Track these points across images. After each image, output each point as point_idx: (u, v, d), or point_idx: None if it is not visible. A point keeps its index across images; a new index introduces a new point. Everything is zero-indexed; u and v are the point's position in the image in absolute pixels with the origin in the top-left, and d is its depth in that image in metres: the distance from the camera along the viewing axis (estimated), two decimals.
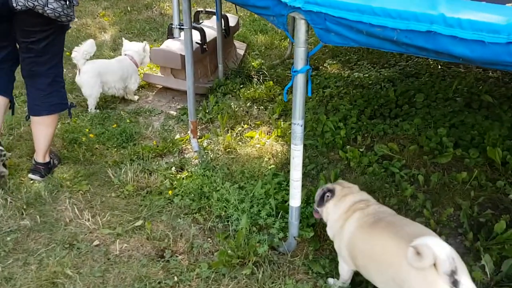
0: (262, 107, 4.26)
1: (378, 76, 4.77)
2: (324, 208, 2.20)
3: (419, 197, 2.84)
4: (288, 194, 2.50)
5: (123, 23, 6.39)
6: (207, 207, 2.83)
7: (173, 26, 3.11)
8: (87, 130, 3.64)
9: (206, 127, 3.90)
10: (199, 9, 5.00)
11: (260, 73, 4.87)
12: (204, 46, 4.33)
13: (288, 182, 2.56)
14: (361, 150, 3.38)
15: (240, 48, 5.20)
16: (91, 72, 3.91)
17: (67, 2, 2.62)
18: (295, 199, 2.35)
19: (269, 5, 2.00)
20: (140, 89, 4.59)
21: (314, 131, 3.69)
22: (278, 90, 4.45)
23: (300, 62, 2.01)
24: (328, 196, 2.19)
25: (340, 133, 3.58)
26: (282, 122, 3.82)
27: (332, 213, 2.16)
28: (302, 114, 2.10)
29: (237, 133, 3.71)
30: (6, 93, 2.99)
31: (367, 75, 4.81)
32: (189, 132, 3.60)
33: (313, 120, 3.84)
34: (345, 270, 2.16)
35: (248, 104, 4.29)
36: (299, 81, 2.05)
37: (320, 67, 5.18)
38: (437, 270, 1.56)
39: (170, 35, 4.55)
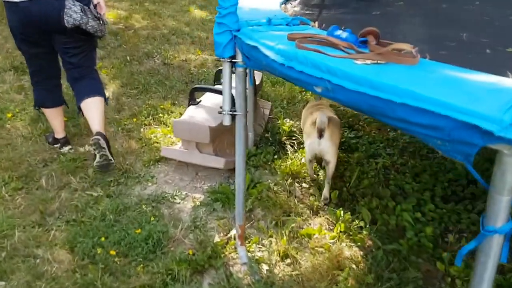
0: (306, 185, 3.42)
1: None
2: None
3: None
4: None
5: (124, 77, 5.51)
6: None
7: (224, 112, 2.28)
8: (103, 238, 2.73)
9: (246, 218, 3.03)
10: (221, 68, 4.17)
11: (293, 138, 4.04)
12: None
13: None
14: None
15: (265, 107, 4.38)
16: None
17: (100, 21, 3.26)
18: None
19: (442, 126, 1.18)
20: (157, 164, 3.70)
21: (387, 225, 2.86)
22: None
23: (501, 216, 1.17)
24: None
25: (425, 230, 2.75)
26: (341, 211, 2.98)
27: None
28: None
29: (290, 230, 2.85)
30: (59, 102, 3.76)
31: (417, 139, 4.00)
32: (235, 236, 2.73)
33: (380, 208, 3.00)
34: None
35: (289, 181, 3.43)
36: (494, 244, 1.20)
37: (356, 125, 4.38)
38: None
39: (192, 100, 3.70)
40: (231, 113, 2.31)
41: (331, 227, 2.93)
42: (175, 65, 6.02)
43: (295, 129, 4.18)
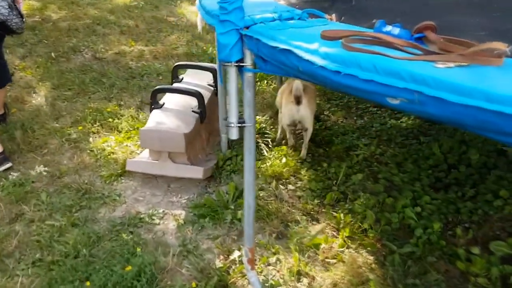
0: (291, 186, 3.16)
1: (400, 125, 3.89)
2: None
3: None
4: None
5: (53, 77, 4.85)
6: None
7: (232, 124, 1.93)
8: (88, 282, 2.27)
9: (240, 233, 2.72)
10: (178, 63, 3.75)
11: (266, 135, 3.75)
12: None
13: None
14: (474, 253, 2.44)
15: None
16: None
17: (24, 18, 3.15)
18: None
19: None
20: (119, 179, 3.23)
21: (389, 224, 2.69)
22: (300, 159, 3.39)
23: None
24: None
25: (432, 226, 2.61)
26: (341, 214, 2.77)
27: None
28: None
29: (295, 242, 2.58)
30: None
31: (388, 125, 3.91)
32: (239, 258, 2.40)
33: (378, 207, 2.82)
34: None
35: (273, 184, 3.16)
36: None
37: (321, 115, 4.18)
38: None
39: (155, 103, 3.26)
40: (239, 125, 1.95)
41: (334, 233, 2.70)
42: (109, 59, 5.42)
43: (264, 125, 3.88)
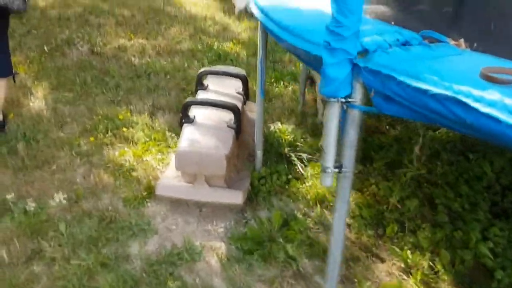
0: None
1: (440, 138, 3.60)
2: None
3: None
4: None
5: (50, 75, 4.36)
6: None
7: (328, 170, 1.57)
8: None
9: (294, 274, 2.38)
10: (203, 70, 3.34)
11: (298, 148, 3.40)
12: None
13: None
14: None
15: (251, 110, 3.64)
16: None
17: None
18: None
19: None
20: (145, 202, 2.83)
21: (463, 262, 2.40)
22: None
23: None
24: None
25: None
26: (407, 251, 2.46)
27: None
28: None
29: None
30: None
31: (427, 138, 3.61)
32: None
33: (446, 241, 2.53)
34: None
35: (317, 210, 2.83)
36: None
37: None
38: None
39: (186, 117, 2.86)
40: (337, 170, 1.59)
41: (401, 273, 2.39)
42: (109, 54, 4.94)
43: (293, 136, 3.52)
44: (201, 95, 3.20)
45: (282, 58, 5.27)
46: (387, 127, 3.89)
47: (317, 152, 3.43)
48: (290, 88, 4.56)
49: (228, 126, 2.84)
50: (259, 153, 3.03)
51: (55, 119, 3.62)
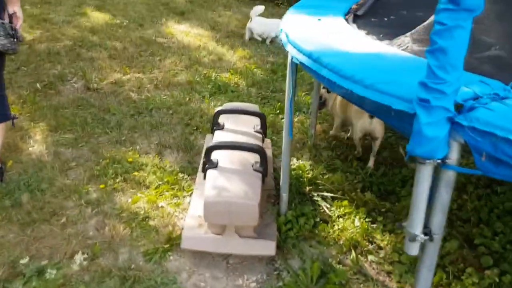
0: (373, 257, 2.68)
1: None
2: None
3: None
4: None
5: (46, 115, 4.11)
6: None
7: (418, 237, 1.41)
8: None
9: None
10: (220, 109, 3.16)
11: (320, 186, 3.24)
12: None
13: None
14: None
15: (266, 147, 3.47)
16: None
17: (14, 39, 2.78)
18: None
19: None
20: (166, 255, 2.61)
21: None
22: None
23: None
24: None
25: None
26: None
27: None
28: None
29: None
30: None
31: None
32: None
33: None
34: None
35: (352, 256, 2.65)
36: None
37: (360, 156, 3.72)
38: None
39: (209, 162, 2.67)
40: (427, 238, 1.42)
41: None
42: (106, 90, 4.72)
43: (312, 171, 3.36)
44: (219, 135, 3.01)
45: (282, 88, 5.13)
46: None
47: (339, 190, 3.28)
48: (296, 119, 4.41)
49: (255, 170, 2.65)
50: (284, 196, 2.85)
51: (58, 165, 3.37)
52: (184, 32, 6.76)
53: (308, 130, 4.07)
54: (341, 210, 3.04)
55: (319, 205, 3.09)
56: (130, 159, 3.47)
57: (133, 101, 4.56)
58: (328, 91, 3.84)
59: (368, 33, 2.34)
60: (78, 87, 4.76)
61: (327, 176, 3.44)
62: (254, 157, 2.76)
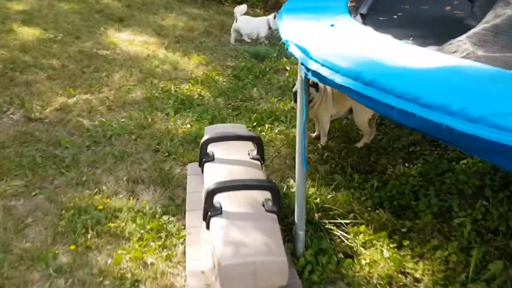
0: None
1: (470, 171, 3.22)
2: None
3: None
4: None
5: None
6: None
7: None
8: None
9: None
10: (208, 138, 2.66)
11: (330, 211, 2.84)
12: None
13: None
14: None
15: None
16: None
17: None
18: None
19: None
20: None
21: None
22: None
23: None
24: None
25: None
26: None
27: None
28: None
29: None
30: None
31: (457, 173, 3.21)
32: None
33: None
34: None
35: None
36: None
37: (362, 167, 3.38)
38: None
39: (212, 209, 2.17)
40: None
41: None
42: (51, 119, 4.05)
43: (320, 196, 2.94)
44: (211, 170, 2.52)
45: (252, 95, 4.68)
46: (406, 165, 3.44)
47: (349, 211, 2.89)
48: (276, 130, 3.97)
49: (268, 211, 2.18)
50: (301, 234, 2.41)
51: (11, 224, 2.74)
52: (128, 40, 6.10)
53: (295, 143, 3.64)
54: (361, 237, 2.66)
55: (334, 234, 2.67)
56: (100, 206, 2.88)
57: (86, 129, 3.92)
58: (317, 90, 3.41)
59: (397, 37, 1.93)
60: (17, 119, 4.05)
61: (330, 196, 3.03)
62: (262, 194, 2.28)
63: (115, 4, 7.71)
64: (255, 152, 2.68)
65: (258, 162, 2.62)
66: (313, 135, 3.82)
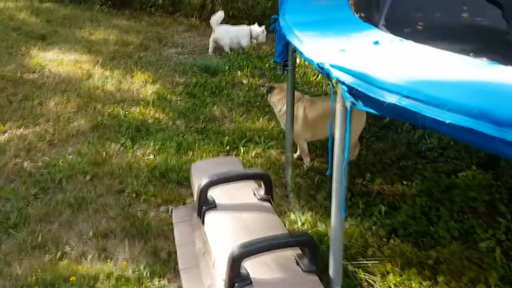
0: None
1: (472, 184, 3.04)
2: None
3: None
4: None
5: None
6: None
7: None
8: None
9: None
10: (207, 182, 2.18)
11: (345, 250, 2.48)
12: None
13: None
14: None
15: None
16: None
17: None
18: None
19: None
20: None
21: None
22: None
23: None
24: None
25: None
26: None
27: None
28: None
29: None
30: None
31: (461, 187, 3.01)
32: None
33: None
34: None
35: None
36: None
37: (360, 185, 3.09)
38: None
39: (238, 278, 1.72)
40: None
41: None
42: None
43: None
44: (214, 219, 2.04)
45: (214, 115, 4.21)
46: (403, 182, 3.18)
47: (364, 245, 2.55)
48: (253, 153, 3.55)
49: (306, 271, 1.76)
50: None
51: None
52: (56, 60, 5.36)
53: (283, 166, 3.27)
54: (391, 278, 2.30)
55: (361, 278, 2.30)
56: (71, 278, 2.27)
57: (28, 173, 3.24)
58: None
59: (454, 51, 1.60)
60: None
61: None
62: (292, 249, 1.85)
63: (32, 20, 6.85)
64: (262, 192, 2.24)
65: (269, 205, 2.18)
66: (296, 155, 3.45)
